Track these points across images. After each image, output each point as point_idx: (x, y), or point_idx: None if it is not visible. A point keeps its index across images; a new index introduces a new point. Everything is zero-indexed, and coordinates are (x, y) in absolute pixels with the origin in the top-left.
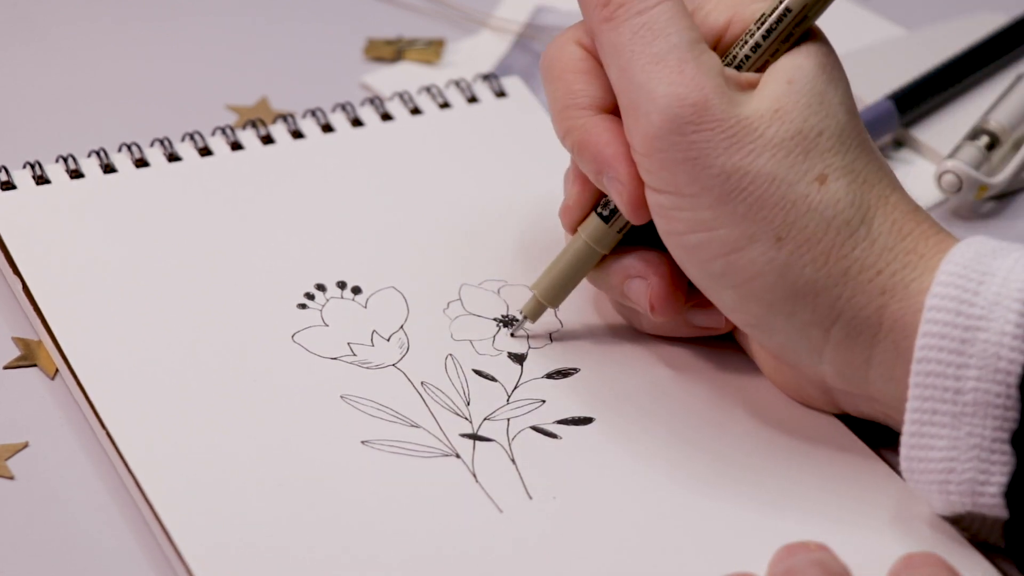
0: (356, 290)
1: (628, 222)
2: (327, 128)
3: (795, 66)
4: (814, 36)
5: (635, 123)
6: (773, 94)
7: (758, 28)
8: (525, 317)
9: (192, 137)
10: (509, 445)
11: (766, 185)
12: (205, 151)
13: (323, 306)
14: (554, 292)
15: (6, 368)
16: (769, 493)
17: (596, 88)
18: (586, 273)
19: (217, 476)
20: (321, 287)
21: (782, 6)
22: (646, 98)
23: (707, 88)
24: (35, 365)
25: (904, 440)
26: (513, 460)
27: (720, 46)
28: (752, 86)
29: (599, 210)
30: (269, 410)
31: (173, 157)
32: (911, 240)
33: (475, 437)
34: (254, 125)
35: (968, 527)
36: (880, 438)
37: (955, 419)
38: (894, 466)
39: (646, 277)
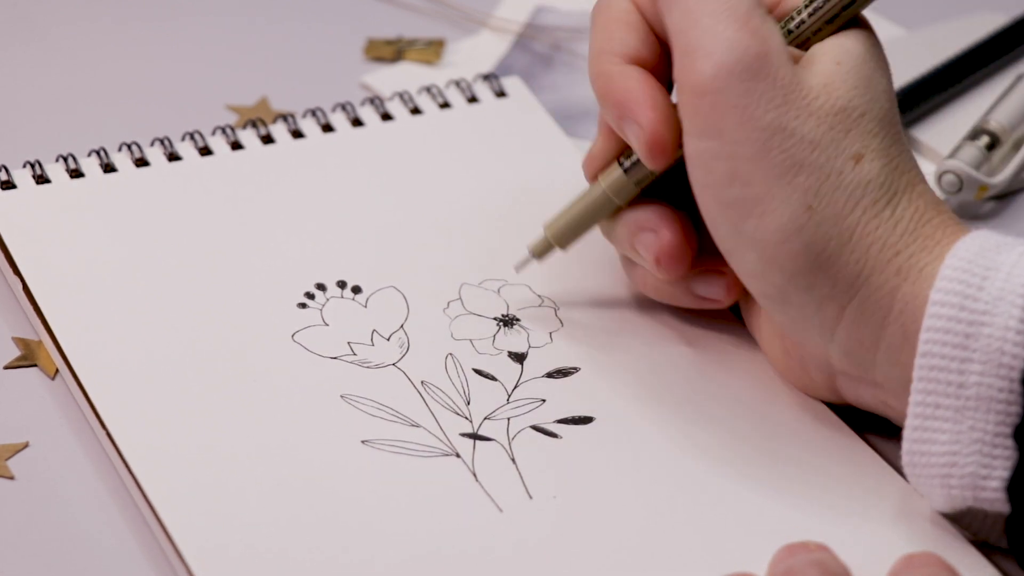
0: (356, 289)
1: (648, 176)
2: (327, 128)
3: (844, 49)
4: (862, 24)
5: (693, 63)
6: (823, 70)
7: (805, 7)
8: (531, 255)
9: (192, 137)
10: (509, 444)
11: (806, 150)
12: (205, 151)
13: (323, 305)
14: (564, 234)
15: (6, 368)
16: (770, 493)
17: (635, 39)
18: (598, 221)
19: (217, 476)
20: (321, 286)
21: None
22: (711, 39)
23: (771, 43)
24: (35, 365)
25: (907, 434)
26: (513, 459)
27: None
28: (795, 61)
29: (621, 160)
30: (269, 409)
31: (173, 157)
32: (931, 227)
33: (475, 436)
34: (254, 125)
35: (969, 526)
36: (870, 427)
37: (958, 413)
38: (891, 463)
39: (656, 230)
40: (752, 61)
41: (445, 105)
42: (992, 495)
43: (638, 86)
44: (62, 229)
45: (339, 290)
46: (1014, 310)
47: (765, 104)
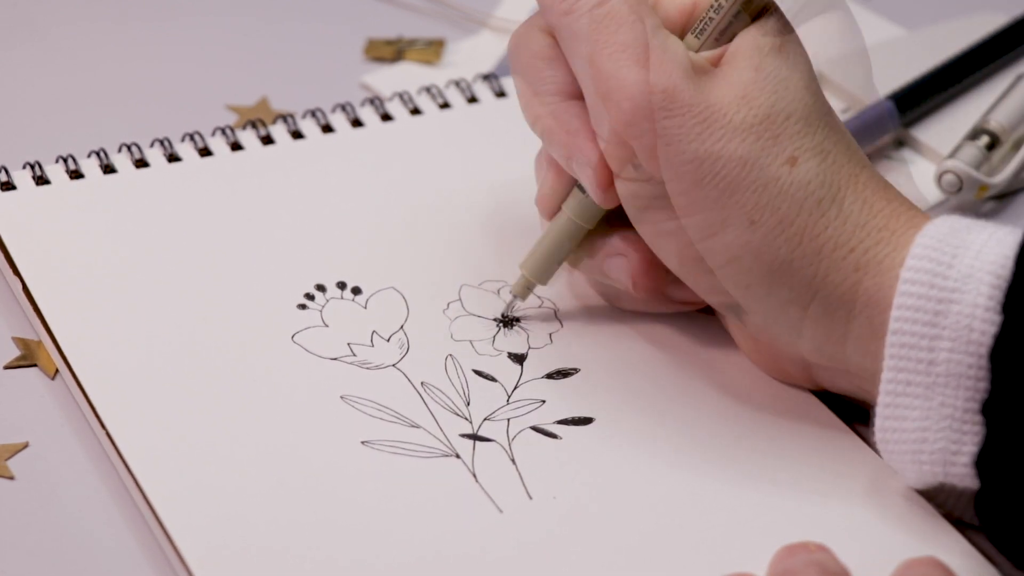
0: (356, 290)
1: None
2: (327, 128)
3: (754, 48)
4: (770, 12)
5: (605, 112)
6: (738, 80)
7: (711, 7)
8: (515, 296)
9: (192, 137)
10: (509, 445)
11: (738, 169)
12: (205, 151)
13: (323, 306)
14: (540, 269)
15: (6, 368)
16: (770, 493)
17: (563, 75)
18: (571, 249)
19: (217, 476)
20: (321, 287)
21: None
22: (616, 86)
23: (675, 75)
24: (35, 365)
25: (878, 411)
26: (513, 460)
27: (685, 29)
28: (714, 64)
29: (580, 185)
30: (269, 410)
31: (173, 157)
32: (882, 217)
33: (475, 437)
34: (254, 125)
35: (944, 504)
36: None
37: (928, 390)
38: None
39: (626, 254)
40: (661, 99)
41: (445, 105)
42: (962, 471)
43: (581, 124)
44: (62, 230)
45: (339, 291)
46: (983, 287)
47: (685, 136)
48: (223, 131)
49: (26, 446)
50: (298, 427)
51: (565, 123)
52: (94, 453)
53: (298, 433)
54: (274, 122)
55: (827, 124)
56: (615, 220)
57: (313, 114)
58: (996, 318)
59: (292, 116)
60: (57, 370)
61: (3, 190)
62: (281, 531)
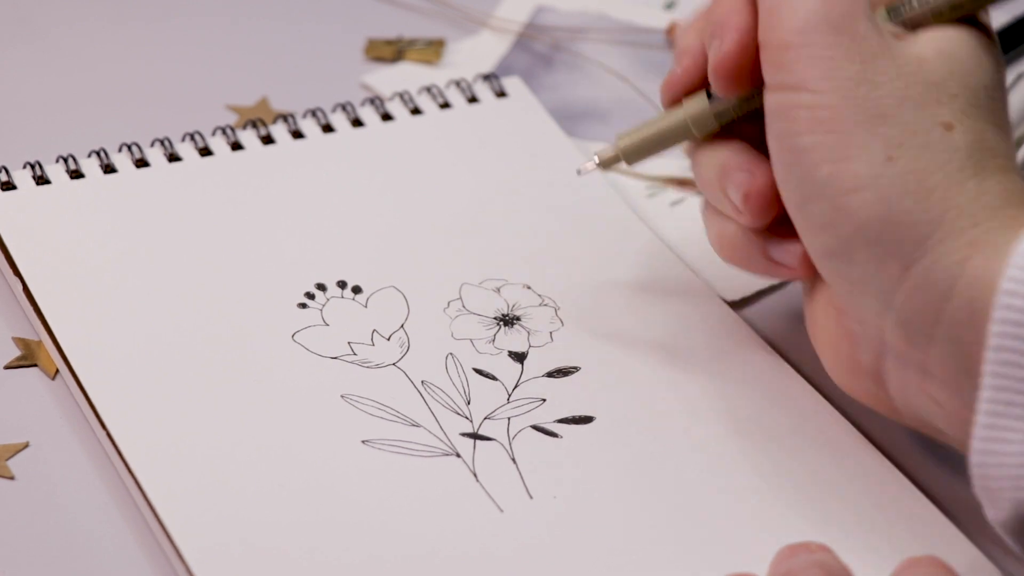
0: (356, 289)
1: (730, 112)
2: (327, 128)
3: (948, 38)
4: (981, 25)
5: (778, 18)
6: (920, 50)
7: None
8: (598, 162)
9: (192, 137)
10: (510, 444)
11: (893, 103)
12: (205, 151)
13: (323, 305)
14: (634, 151)
15: (6, 368)
16: (771, 492)
17: None
18: (670, 146)
19: (217, 476)
20: (321, 287)
21: None
22: None
23: (858, 5)
24: (35, 365)
25: (977, 432)
26: (513, 459)
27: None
28: (898, 39)
29: (709, 90)
30: (269, 410)
31: (173, 157)
32: (1015, 209)
33: (475, 436)
34: (254, 125)
35: None
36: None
37: None
38: (899, 465)
39: (750, 170)
40: (837, 18)
41: (445, 105)
42: None
43: (736, 11)
44: (62, 229)
45: (339, 290)
46: None
47: (851, 56)
48: (223, 131)
49: (26, 446)
50: (299, 426)
51: (726, 5)
52: (94, 453)
53: (299, 432)
54: (274, 122)
55: (997, 123)
56: (726, 137)
57: (313, 114)
58: None
59: (292, 116)
60: (57, 370)
61: (3, 190)
62: (281, 530)
